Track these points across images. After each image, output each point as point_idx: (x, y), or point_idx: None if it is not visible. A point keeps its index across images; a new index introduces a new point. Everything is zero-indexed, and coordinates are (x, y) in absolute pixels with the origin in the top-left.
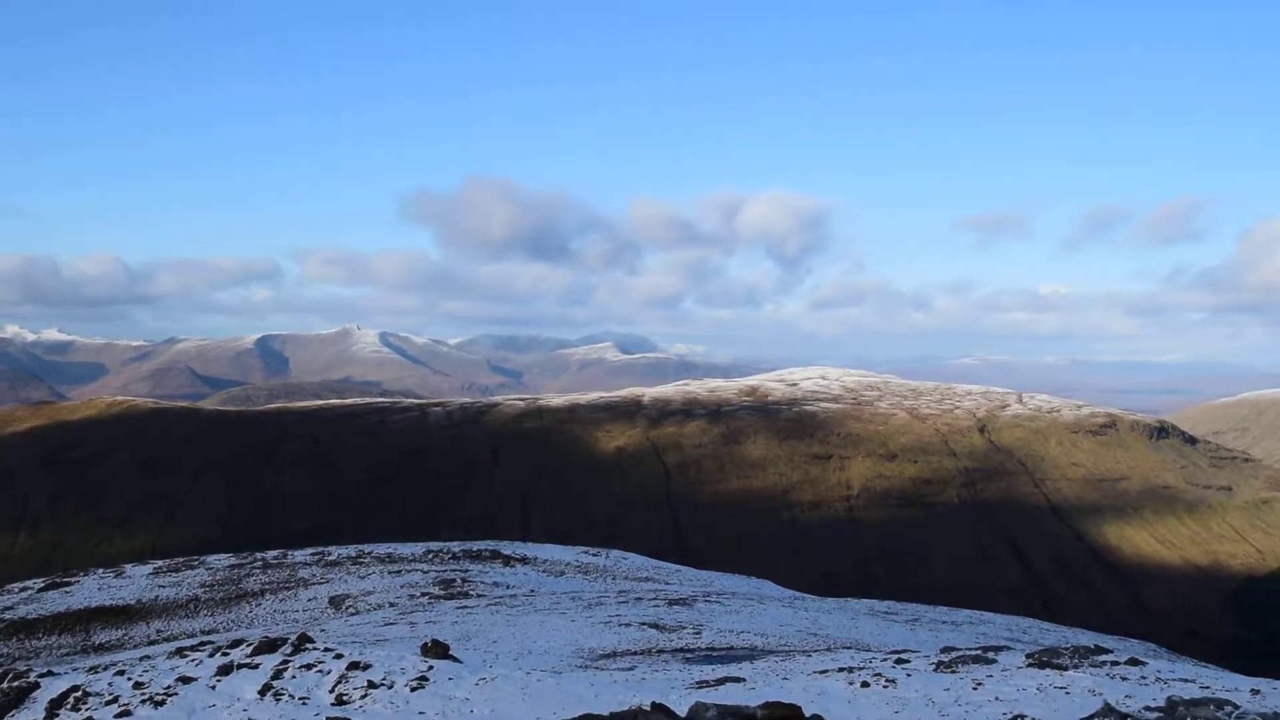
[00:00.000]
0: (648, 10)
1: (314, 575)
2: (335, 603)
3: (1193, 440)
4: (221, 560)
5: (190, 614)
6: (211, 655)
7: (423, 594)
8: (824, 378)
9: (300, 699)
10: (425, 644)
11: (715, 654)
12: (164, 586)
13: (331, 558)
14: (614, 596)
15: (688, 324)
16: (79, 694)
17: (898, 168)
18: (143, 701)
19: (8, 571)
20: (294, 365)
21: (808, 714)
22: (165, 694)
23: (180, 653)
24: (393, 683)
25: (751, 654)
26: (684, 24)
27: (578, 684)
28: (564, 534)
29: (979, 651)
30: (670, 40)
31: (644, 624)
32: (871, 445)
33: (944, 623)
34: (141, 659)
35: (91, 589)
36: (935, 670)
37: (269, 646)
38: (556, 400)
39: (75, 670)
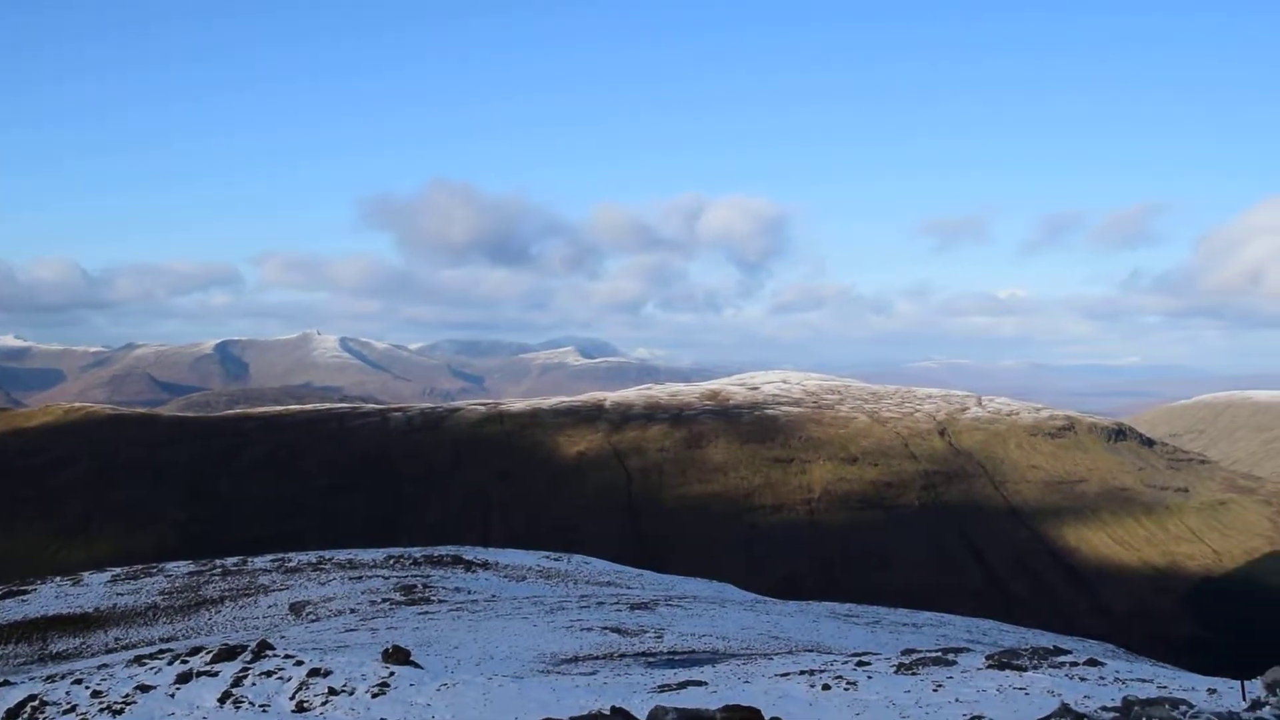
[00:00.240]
0: (609, 18)
1: (274, 582)
2: (296, 609)
3: (1150, 442)
4: (180, 567)
5: (149, 622)
6: (170, 663)
7: (384, 600)
8: (785, 382)
9: (260, 706)
10: (386, 650)
11: (677, 658)
12: (122, 594)
13: (292, 564)
14: (576, 601)
15: (649, 328)
16: (36, 703)
17: (858, 173)
18: (101, 710)
19: None
20: (254, 371)
21: (769, 716)
22: (124, 702)
23: (139, 661)
24: (354, 689)
25: (713, 657)
26: (646, 31)
27: (539, 689)
28: (526, 539)
29: (939, 653)
30: (632, 47)
31: (606, 628)
32: (832, 448)
33: (905, 625)
34: (100, 667)
35: (49, 597)
36: (896, 672)
37: (229, 654)
38: (518, 405)
39: (32, 679)
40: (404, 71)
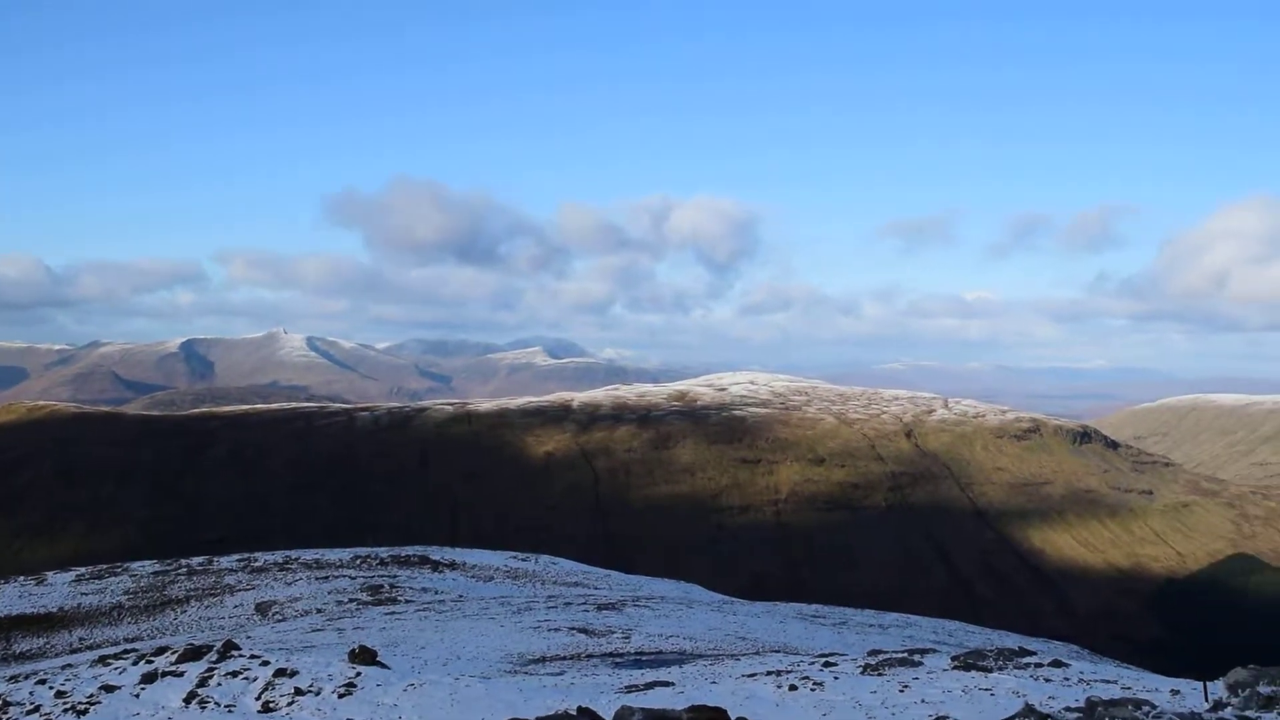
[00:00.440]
0: (575, 19)
1: (240, 582)
2: (262, 609)
3: (1115, 445)
4: (145, 567)
5: (114, 621)
6: (135, 663)
7: (350, 600)
8: (753, 383)
9: (226, 706)
10: (353, 650)
11: (644, 658)
12: (87, 594)
13: (258, 564)
14: (543, 601)
15: (617, 329)
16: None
17: (825, 175)
18: (65, 710)
19: None
20: (219, 369)
21: (735, 717)
22: (88, 703)
23: (103, 661)
24: (320, 689)
25: (680, 658)
26: (612, 33)
27: (506, 689)
28: (493, 539)
29: (905, 654)
30: (598, 46)
31: (573, 629)
32: (800, 450)
33: (871, 626)
34: (64, 667)
35: (12, 597)
36: (862, 673)
37: (194, 654)
38: (485, 405)
39: None
40: (369, 70)
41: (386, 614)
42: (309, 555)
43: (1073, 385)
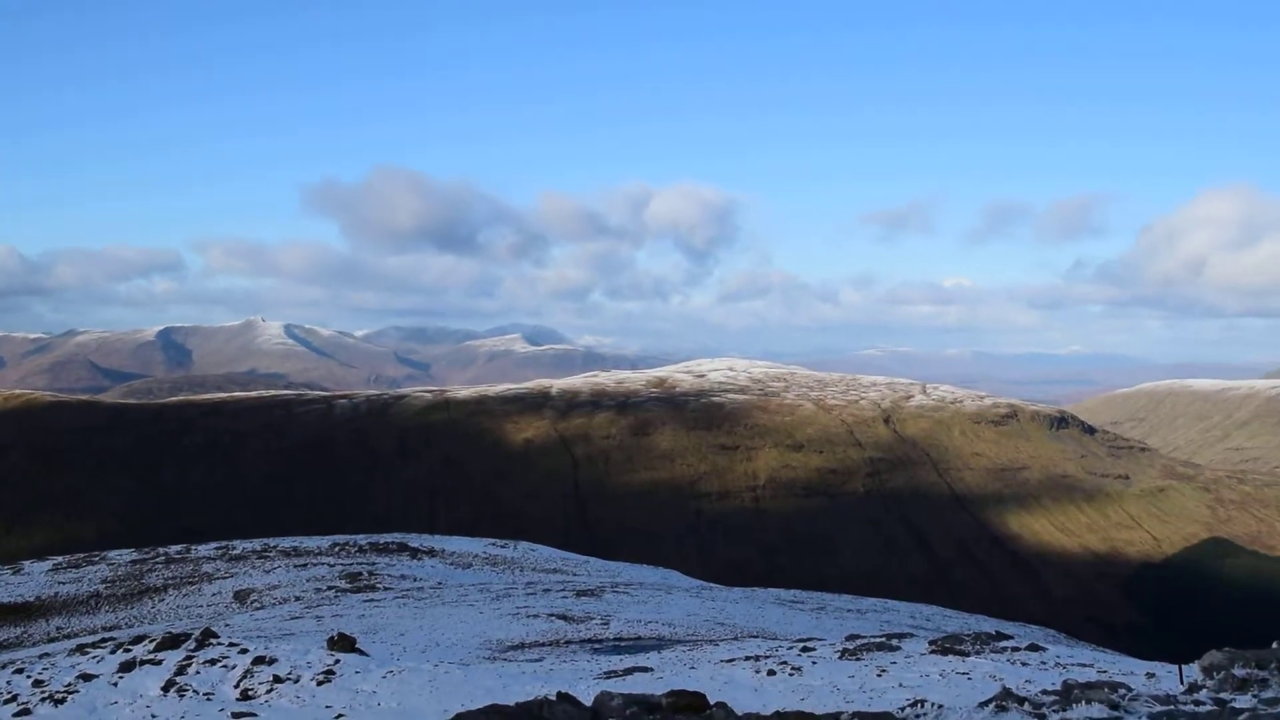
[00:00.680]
0: (555, 5)
1: (218, 570)
2: (240, 597)
3: (1091, 430)
4: (123, 555)
5: (91, 610)
6: (113, 652)
7: (329, 588)
8: (731, 369)
9: (205, 695)
10: (332, 638)
11: (623, 644)
12: (64, 583)
13: (236, 552)
14: (522, 588)
15: (596, 316)
16: None
17: (805, 163)
18: (43, 700)
19: None
20: (197, 358)
21: (714, 701)
22: (66, 691)
23: (81, 650)
24: (299, 677)
25: (659, 644)
26: (591, 15)
27: (486, 676)
28: (472, 526)
29: (883, 639)
30: (578, 32)
31: (552, 615)
32: (778, 436)
33: (849, 611)
34: (41, 656)
35: None
36: (841, 658)
37: (172, 642)
38: (464, 392)
39: None
40: (351, 62)
41: (365, 601)
42: (287, 543)
43: (1050, 371)
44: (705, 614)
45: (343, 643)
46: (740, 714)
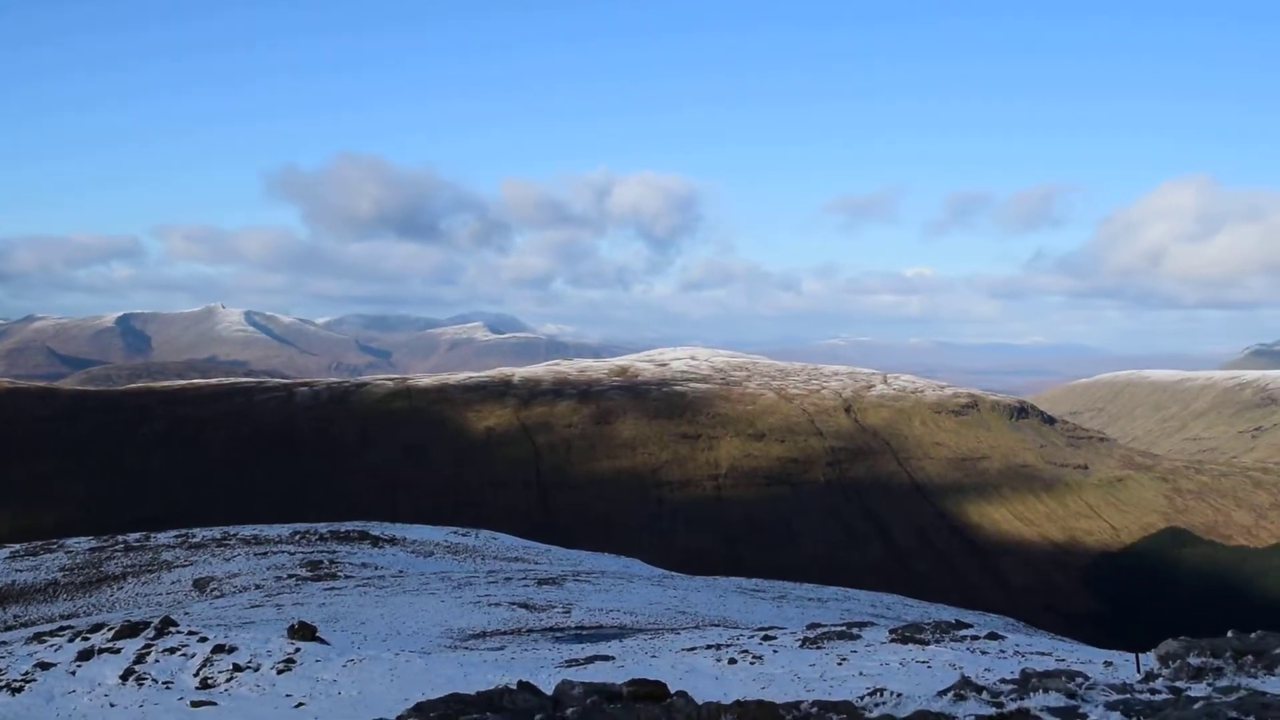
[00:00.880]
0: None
1: (177, 558)
2: (200, 585)
3: (1051, 420)
4: (81, 543)
5: (49, 598)
6: (71, 640)
7: (290, 576)
8: (693, 358)
9: (164, 683)
10: (292, 626)
11: (585, 633)
12: (21, 570)
13: (195, 540)
14: (483, 576)
15: (558, 304)
16: None
17: (768, 153)
18: (0, 688)
19: None
20: (156, 344)
21: (675, 690)
22: (23, 680)
23: (39, 638)
24: (259, 665)
25: (621, 632)
26: (553, 8)
27: (447, 664)
28: (433, 514)
29: (844, 627)
30: (541, 24)
31: (514, 603)
32: (740, 425)
33: (810, 600)
34: None
35: None
36: (801, 646)
37: (131, 630)
38: (426, 380)
39: None
40: (313, 47)
41: (326, 590)
42: (248, 531)
43: (1010, 361)
44: (667, 602)
45: (303, 631)
46: (701, 702)
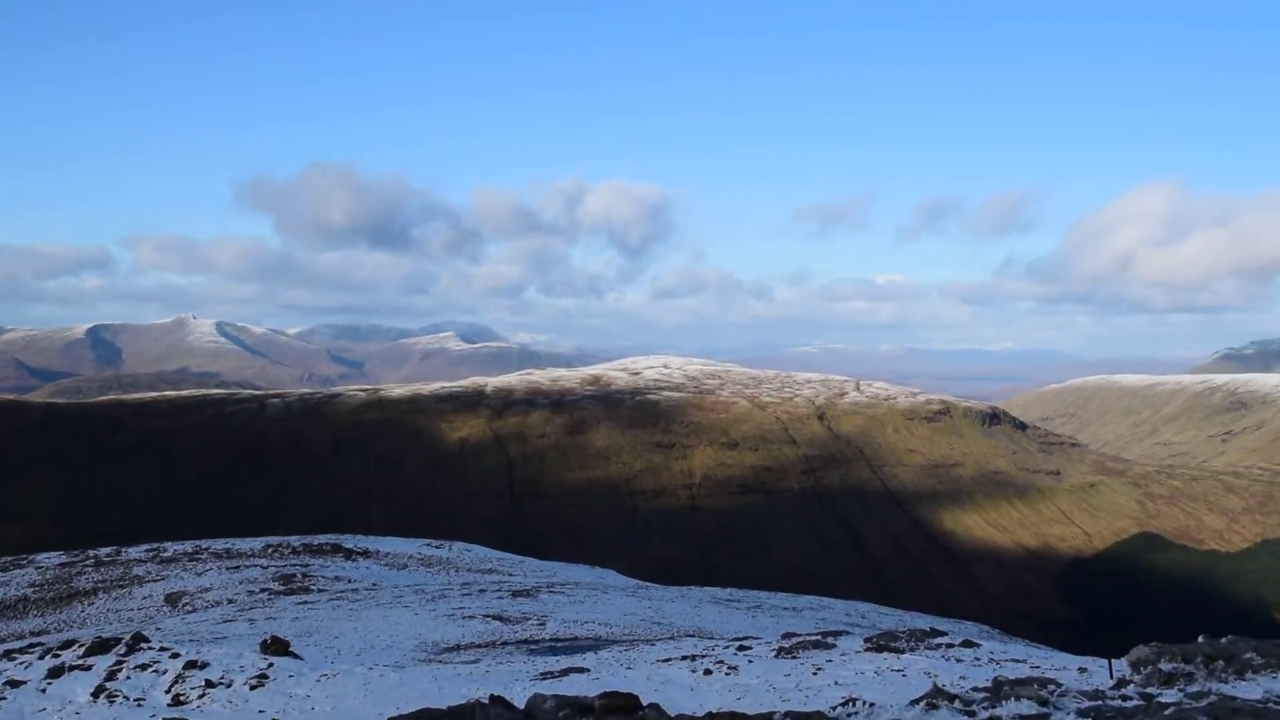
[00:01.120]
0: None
1: (149, 572)
2: (171, 600)
3: (1023, 426)
4: (51, 558)
5: (19, 615)
6: (41, 657)
7: (262, 590)
8: (666, 367)
9: (135, 700)
10: (265, 641)
11: (559, 645)
12: None
13: (167, 554)
14: (458, 589)
15: (531, 313)
16: None
17: (739, 161)
18: None
19: None
20: (127, 356)
21: (649, 702)
22: None
23: (8, 655)
24: (231, 681)
25: (595, 644)
26: (522, 11)
27: (421, 678)
28: (407, 526)
29: (819, 637)
30: (512, 32)
31: (488, 616)
32: (713, 434)
33: (785, 609)
34: None
35: None
36: (776, 656)
37: (102, 647)
38: (398, 391)
39: None
40: (283, 51)
41: (299, 603)
42: (219, 545)
43: (981, 367)
44: (642, 613)
45: (276, 646)
46: (674, 714)
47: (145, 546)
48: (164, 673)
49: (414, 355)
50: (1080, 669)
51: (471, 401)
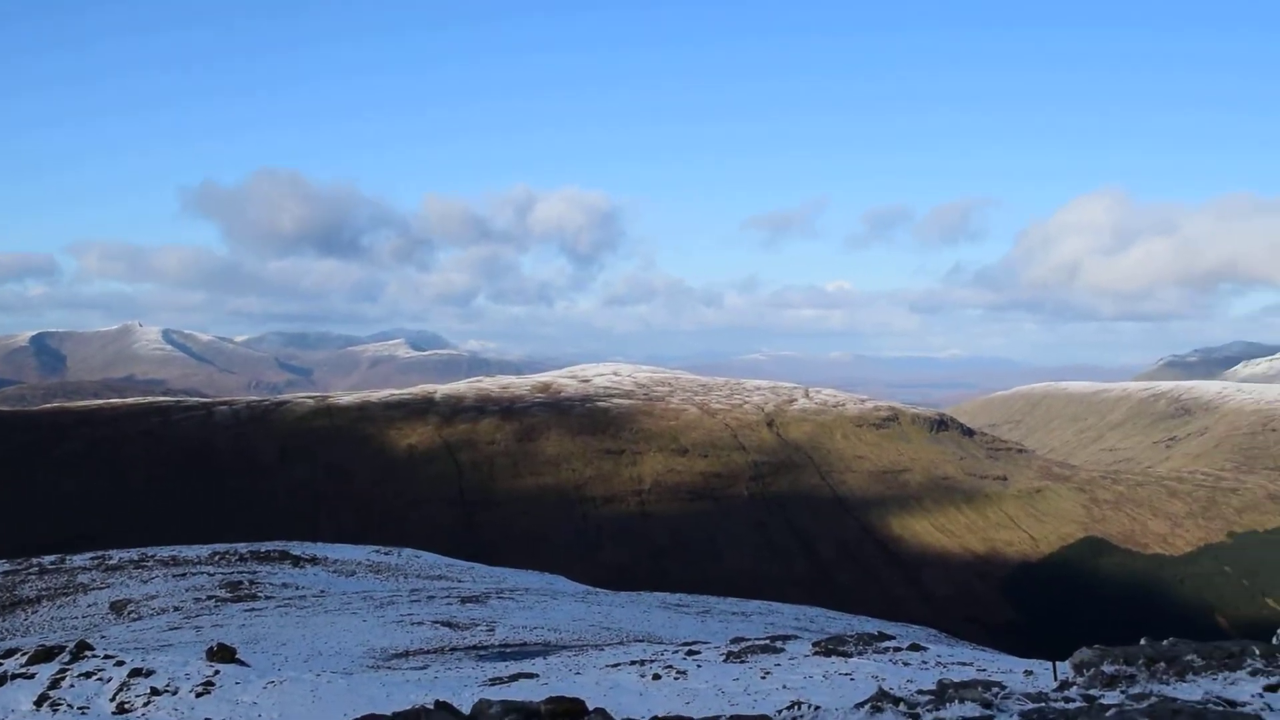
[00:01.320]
0: (433, 6)
1: (94, 580)
2: (117, 608)
3: (970, 432)
4: None
5: None
6: None
7: (209, 597)
8: (616, 374)
9: (79, 709)
10: (211, 648)
11: (509, 650)
12: None
13: (112, 562)
14: (406, 595)
15: (481, 321)
16: None
17: (689, 168)
18: None
19: None
20: (72, 364)
21: (595, 707)
22: None
23: None
24: (177, 689)
25: (545, 649)
26: (470, 19)
27: (369, 685)
28: (355, 534)
29: (768, 641)
30: (459, 41)
31: (437, 622)
32: (663, 440)
33: (734, 614)
34: None
35: None
36: (725, 661)
37: (46, 655)
38: (347, 398)
39: None
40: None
41: (246, 611)
42: (165, 552)
43: (930, 374)
44: (591, 619)
45: (222, 653)
46: (620, 719)
47: (90, 554)
48: (108, 681)
49: (363, 363)
50: (1025, 671)
51: (421, 409)
